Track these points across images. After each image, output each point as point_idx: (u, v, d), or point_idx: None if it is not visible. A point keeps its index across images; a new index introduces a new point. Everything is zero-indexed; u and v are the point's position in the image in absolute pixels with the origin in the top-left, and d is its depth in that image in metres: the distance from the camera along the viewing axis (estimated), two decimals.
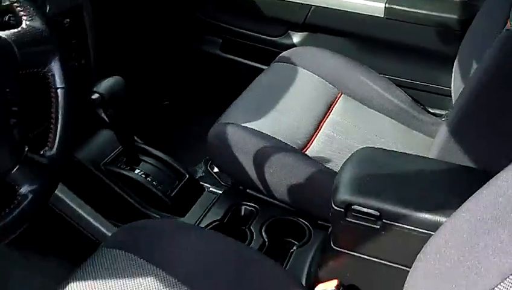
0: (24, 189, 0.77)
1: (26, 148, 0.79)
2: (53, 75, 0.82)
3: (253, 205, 1.32)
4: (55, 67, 0.82)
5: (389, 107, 1.43)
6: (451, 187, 0.92)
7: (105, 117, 1.25)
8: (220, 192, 1.37)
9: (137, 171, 1.33)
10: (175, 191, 1.33)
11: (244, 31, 1.82)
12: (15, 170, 0.77)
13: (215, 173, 1.47)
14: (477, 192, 0.64)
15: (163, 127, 1.83)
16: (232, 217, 1.30)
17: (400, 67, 1.63)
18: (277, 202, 1.29)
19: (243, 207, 1.32)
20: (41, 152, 0.82)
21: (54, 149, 0.82)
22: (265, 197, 1.31)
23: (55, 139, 0.82)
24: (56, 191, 1.18)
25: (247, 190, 1.35)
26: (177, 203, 1.31)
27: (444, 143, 1.02)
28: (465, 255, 0.58)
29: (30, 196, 0.77)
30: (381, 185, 0.92)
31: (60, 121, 0.83)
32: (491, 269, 0.53)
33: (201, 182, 1.41)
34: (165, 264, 0.92)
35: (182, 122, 1.89)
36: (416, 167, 0.98)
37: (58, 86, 0.82)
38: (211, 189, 1.39)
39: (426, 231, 0.84)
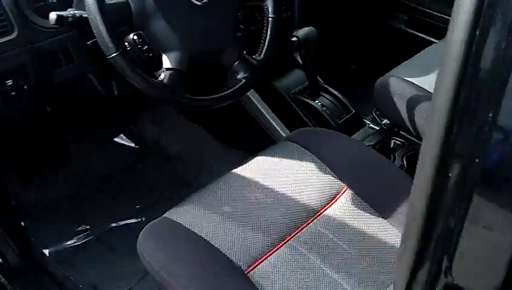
0: (240, 76, 1.22)
1: (245, 52, 1.23)
2: (267, 8, 1.25)
3: (402, 140, 1.63)
4: (270, 2, 1.25)
5: None
6: None
7: (298, 58, 1.66)
8: (378, 128, 1.71)
9: (316, 101, 1.73)
10: (342, 120, 1.70)
11: (428, 10, 2.09)
12: (236, 63, 1.22)
13: (383, 123, 1.79)
14: None
15: (348, 85, 2.19)
16: (382, 146, 1.63)
17: None
18: None
19: (393, 141, 1.64)
20: (253, 56, 1.25)
21: (262, 56, 1.26)
22: (414, 139, 1.61)
23: (263, 50, 1.26)
24: (252, 98, 1.64)
25: (400, 132, 1.66)
26: (342, 129, 1.67)
27: None
28: None
29: (243, 81, 1.22)
30: None
31: (268, 38, 1.26)
32: None
33: (364, 119, 1.76)
34: (327, 159, 1.25)
35: (365, 83, 2.22)
36: None
37: (270, 16, 1.26)
38: (370, 125, 1.73)
39: None
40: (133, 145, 2.03)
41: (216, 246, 1.06)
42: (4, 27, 1.21)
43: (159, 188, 1.81)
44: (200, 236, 1.08)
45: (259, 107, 1.69)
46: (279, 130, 1.67)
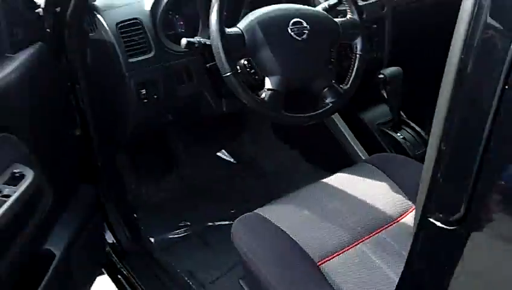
0: (328, 100, 1.44)
1: (333, 81, 1.45)
2: (356, 46, 1.48)
3: None
4: (359, 42, 1.47)
5: None
6: None
7: (384, 94, 1.86)
8: None
9: (398, 134, 1.92)
10: (420, 152, 1.86)
11: None
12: (325, 90, 1.44)
13: None
14: None
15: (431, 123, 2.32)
16: None
17: None
18: None
19: None
20: (341, 85, 1.47)
21: (347, 86, 1.47)
22: None
23: (349, 80, 1.48)
24: (338, 124, 1.85)
25: None
26: (420, 160, 1.81)
27: None
28: None
29: (330, 105, 1.44)
30: None
31: (354, 71, 1.47)
32: None
33: None
34: (399, 181, 1.41)
35: None
36: None
37: (357, 52, 1.48)
38: None
39: None
40: (232, 159, 2.32)
41: (295, 240, 1.26)
42: (145, 48, 1.54)
43: (252, 198, 2.06)
44: (283, 230, 1.28)
45: (344, 133, 1.90)
46: (360, 154, 1.87)
